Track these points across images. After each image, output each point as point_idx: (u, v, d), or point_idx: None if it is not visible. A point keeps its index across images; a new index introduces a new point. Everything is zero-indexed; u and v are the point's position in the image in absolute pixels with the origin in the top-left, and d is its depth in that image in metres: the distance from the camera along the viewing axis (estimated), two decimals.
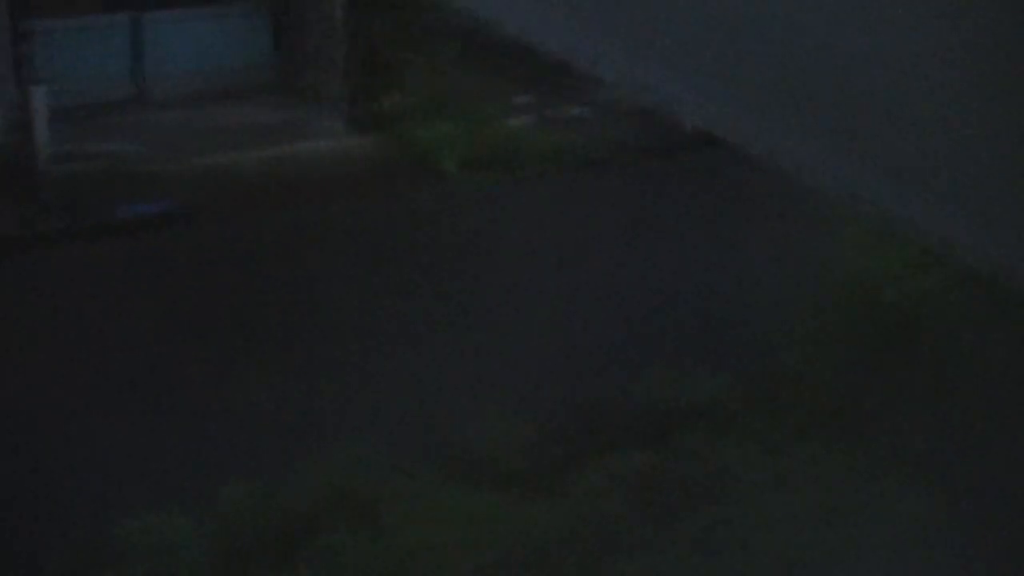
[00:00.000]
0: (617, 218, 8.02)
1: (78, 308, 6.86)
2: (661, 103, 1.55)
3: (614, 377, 6.20)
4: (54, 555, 5.04)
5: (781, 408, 5.83)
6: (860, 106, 1.42)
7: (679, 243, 7.61)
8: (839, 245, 6.05)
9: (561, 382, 6.21)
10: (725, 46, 1.40)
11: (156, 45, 9.95)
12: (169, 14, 10.02)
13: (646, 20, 1.43)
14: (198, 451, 5.67)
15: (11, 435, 5.75)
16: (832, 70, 1.40)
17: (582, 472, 5.48)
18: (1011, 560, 4.80)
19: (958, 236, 1.44)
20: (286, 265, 7.46)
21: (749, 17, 1.41)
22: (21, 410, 5.97)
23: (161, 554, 5.04)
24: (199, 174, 8.58)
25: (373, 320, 6.82)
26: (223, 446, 5.70)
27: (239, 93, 9.90)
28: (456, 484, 5.37)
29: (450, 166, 9.07)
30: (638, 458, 5.57)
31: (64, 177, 8.38)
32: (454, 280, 7.28)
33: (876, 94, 1.41)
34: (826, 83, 1.40)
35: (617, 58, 1.44)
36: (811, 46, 1.41)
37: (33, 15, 9.54)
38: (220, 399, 6.08)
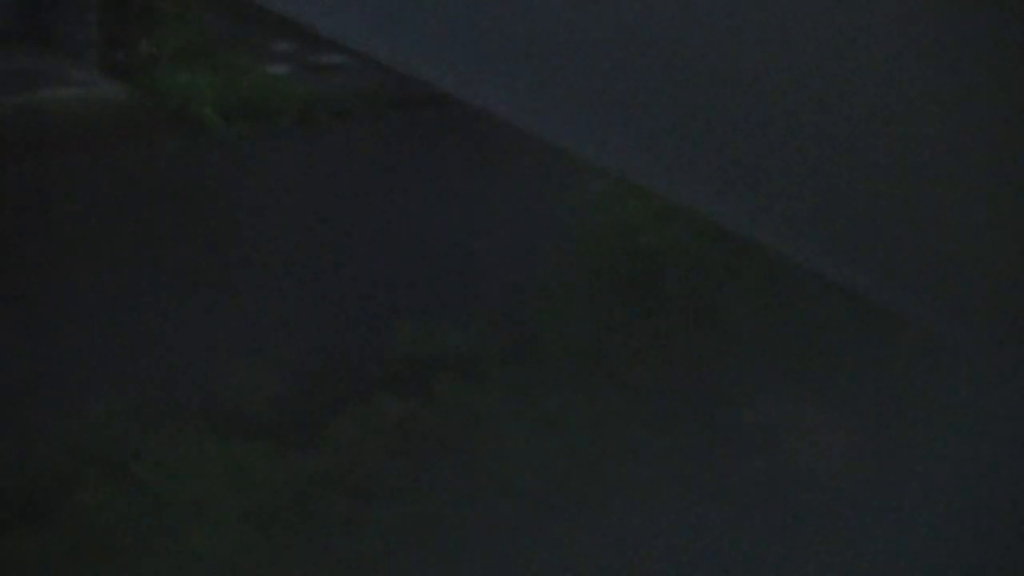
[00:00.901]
0: (368, 171, 8.07)
1: None
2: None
3: (368, 331, 6.28)
4: None
5: (533, 357, 5.99)
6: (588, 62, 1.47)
7: (429, 196, 7.70)
8: (586, 198, 6.21)
9: (314, 336, 6.27)
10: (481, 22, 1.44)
11: None
12: None
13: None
14: None
15: None
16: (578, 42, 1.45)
17: (337, 422, 5.55)
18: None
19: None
20: (32, 220, 7.30)
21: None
22: None
23: None
24: None
25: (120, 276, 6.74)
26: None
27: None
28: (210, 437, 5.39)
29: (208, 115, 8.97)
30: (393, 408, 5.67)
31: None
32: (206, 233, 7.25)
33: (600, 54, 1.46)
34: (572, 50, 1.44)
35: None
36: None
37: None
38: None
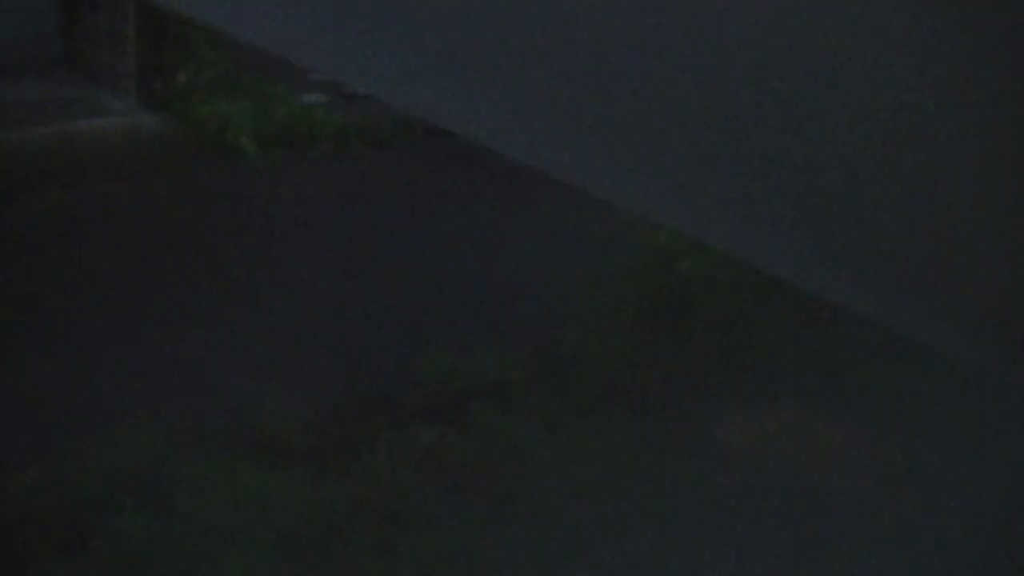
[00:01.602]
0: (402, 199, 8.08)
1: None
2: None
3: (402, 358, 6.28)
4: None
5: (566, 384, 5.98)
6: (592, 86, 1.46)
7: (463, 224, 7.71)
8: (621, 225, 6.21)
9: (348, 364, 6.27)
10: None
11: None
12: None
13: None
14: None
15: None
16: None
17: (372, 449, 5.55)
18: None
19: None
20: (68, 248, 7.35)
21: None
22: None
23: None
24: None
25: (155, 303, 6.77)
26: (5, 438, 5.62)
27: (25, 69, 9.68)
28: (245, 465, 5.39)
29: (244, 144, 9.02)
30: (427, 435, 5.67)
31: None
32: (241, 261, 7.27)
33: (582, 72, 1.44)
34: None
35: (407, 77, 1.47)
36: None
37: None
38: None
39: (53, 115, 9.02)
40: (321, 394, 5.94)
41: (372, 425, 5.74)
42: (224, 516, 5.11)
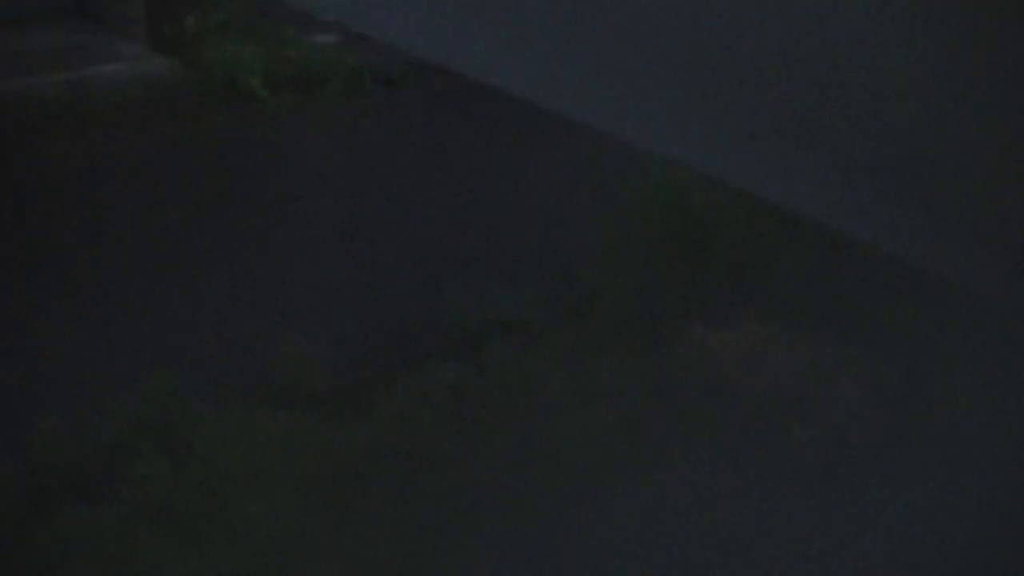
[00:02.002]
0: (417, 138, 8.05)
1: None
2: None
3: (420, 299, 6.28)
4: None
5: (583, 321, 5.97)
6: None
7: (478, 162, 7.68)
8: (635, 160, 6.17)
9: (366, 305, 6.27)
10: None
11: None
12: None
13: None
14: (5, 395, 5.61)
15: None
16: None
17: (390, 390, 5.55)
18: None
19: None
20: (82, 196, 7.34)
21: None
22: None
23: None
24: None
25: (170, 249, 6.77)
26: (28, 387, 5.64)
27: (34, 17, 9.64)
28: (264, 409, 5.41)
29: (256, 87, 8.98)
30: (445, 375, 5.66)
31: None
32: (256, 205, 7.26)
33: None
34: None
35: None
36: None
37: None
38: (16, 342, 6.00)
39: (63, 62, 9.00)
40: (339, 337, 5.95)
41: (390, 366, 5.75)
42: (244, 461, 5.12)
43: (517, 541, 4.85)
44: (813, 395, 5.47)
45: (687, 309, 5.86)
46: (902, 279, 5.45)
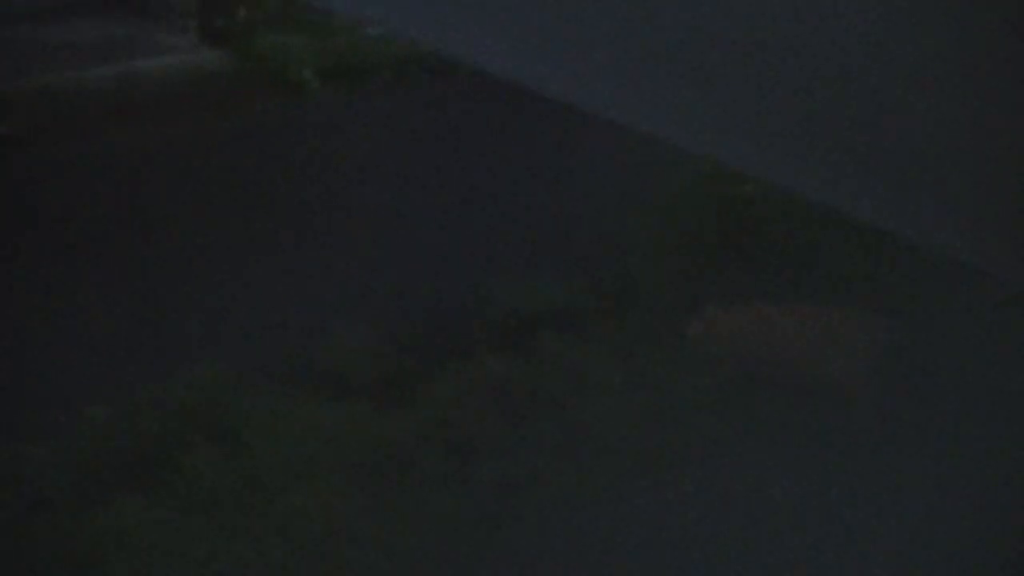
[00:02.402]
0: (465, 128, 8.04)
1: None
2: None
3: (467, 288, 6.27)
4: None
5: (633, 310, 5.95)
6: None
7: (526, 152, 7.67)
8: (669, 154, 6.14)
9: (414, 295, 6.27)
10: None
11: None
12: None
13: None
14: (55, 383, 5.65)
15: None
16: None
17: (438, 380, 5.55)
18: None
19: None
20: (133, 188, 7.38)
21: None
22: None
23: (20, 484, 5.05)
24: (38, 94, 8.42)
25: (220, 240, 6.79)
26: (78, 376, 5.68)
27: (83, 9, 9.69)
28: (313, 398, 5.42)
29: (307, 77, 9.00)
30: (492, 365, 5.66)
31: None
32: (306, 195, 7.28)
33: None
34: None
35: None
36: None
37: None
38: (67, 332, 6.03)
39: (114, 54, 9.04)
40: (387, 326, 5.95)
41: (438, 356, 5.74)
42: (292, 450, 5.14)
43: (565, 530, 4.84)
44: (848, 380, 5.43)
45: (730, 296, 5.83)
46: (949, 265, 5.38)
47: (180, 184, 7.39)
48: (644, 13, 1.37)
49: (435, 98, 8.56)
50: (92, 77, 8.73)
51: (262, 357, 5.72)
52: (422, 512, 4.90)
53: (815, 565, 4.65)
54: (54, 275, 6.45)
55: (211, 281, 6.41)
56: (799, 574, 4.63)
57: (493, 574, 4.75)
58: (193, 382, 5.50)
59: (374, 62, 9.04)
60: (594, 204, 6.85)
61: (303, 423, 5.28)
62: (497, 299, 6.11)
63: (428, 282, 6.38)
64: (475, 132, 7.99)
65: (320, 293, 6.31)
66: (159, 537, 4.82)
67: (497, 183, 7.36)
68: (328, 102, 8.64)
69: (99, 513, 4.92)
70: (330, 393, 5.48)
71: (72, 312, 6.12)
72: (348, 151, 7.88)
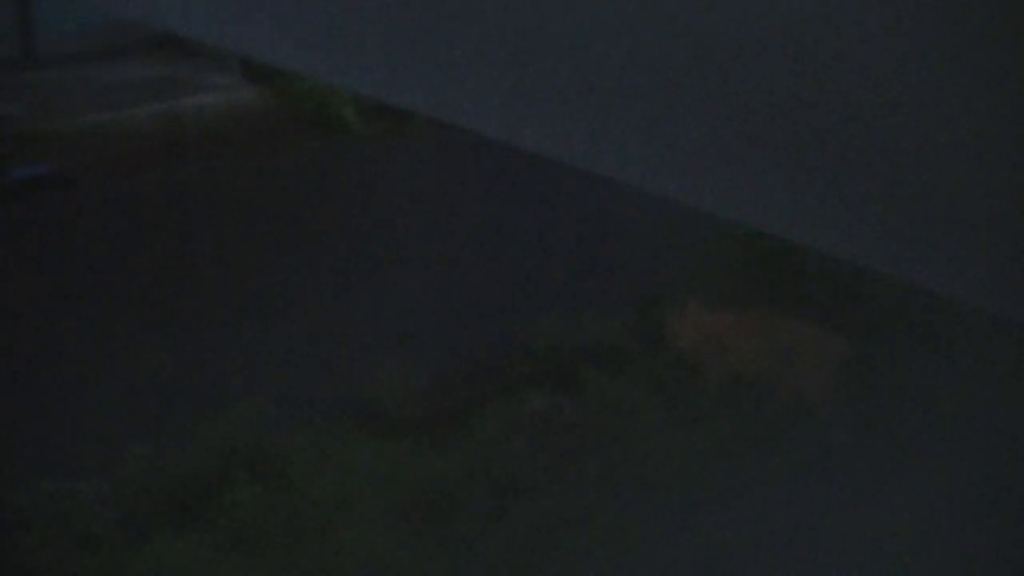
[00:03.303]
0: (505, 165, 8.06)
1: None
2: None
3: (511, 325, 6.27)
4: None
5: (674, 347, 5.94)
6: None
7: (566, 191, 7.66)
8: None
9: (458, 332, 6.27)
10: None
11: (43, 1, 9.79)
12: None
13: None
14: (101, 422, 5.67)
15: None
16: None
17: (482, 417, 5.55)
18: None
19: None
20: (177, 226, 7.42)
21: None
22: None
23: (68, 520, 5.07)
24: (85, 134, 8.49)
25: (264, 278, 6.82)
26: (124, 415, 5.70)
27: (129, 49, 9.78)
28: (357, 436, 5.42)
29: (347, 116, 9.04)
30: (536, 401, 5.66)
31: None
32: (348, 234, 7.30)
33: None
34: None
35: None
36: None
37: None
38: (112, 370, 6.06)
39: (157, 94, 9.11)
40: (431, 364, 5.95)
41: (482, 393, 5.75)
42: (337, 487, 5.14)
43: (608, 565, 4.82)
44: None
45: (776, 337, 5.81)
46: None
47: (223, 222, 7.42)
48: (653, 78, 1.38)
49: (476, 137, 8.59)
50: (137, 116, 8.80)
51: (307, 395, 5.73)
52: (466, 549, 4.89)
53: None
54: (99, 313, 6.48)
55: (256, 319, 6.43)
56: None
57: None
58: (238, 419, 5.51)
59: None
60: (635, 242, 6.84)
61: (347, 460, 5.29)
62: (541, 336, 6.10)
63: (474, 319, 6.38)
64: (516, 171, 8.00)
65: (364, 331, 6.32)
66: (200, 574, 4.82)
67: (539, 221, 7.37)
68: (369, 140, 8.68)
69: (143, 549, 4.92)
70: (375, 431, 5.49)
71: (118, 350, 6.15)
72: (389, 189, 7.90)
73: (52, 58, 9.58)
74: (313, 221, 7.47)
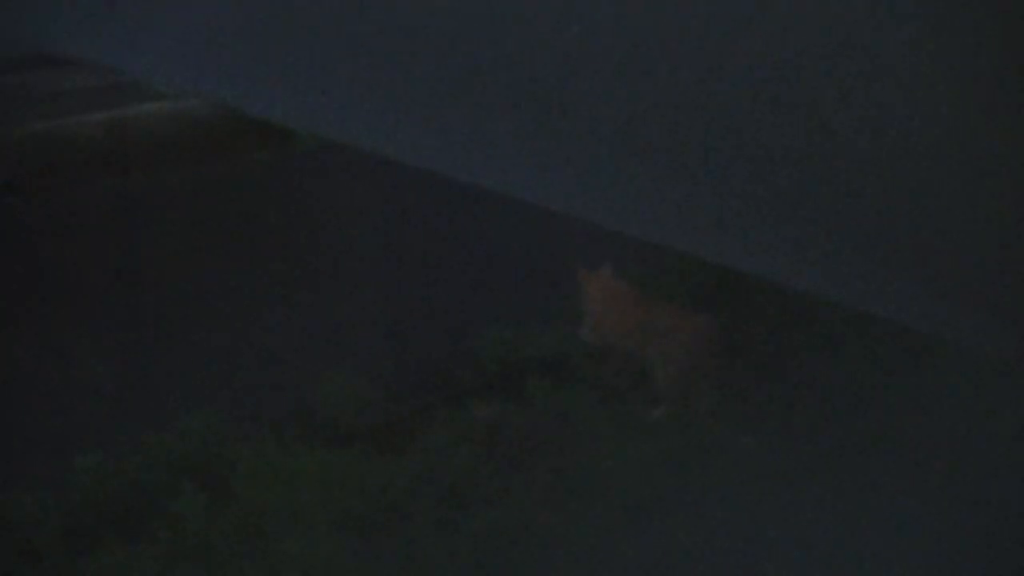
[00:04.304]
0: (444, 182, 8.06)
1: None
2: None
3: (457, 336, 6.28)
4: None
5: (616, 355, 5.96)
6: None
7: (515, 199, 7.68)
8: None
9: (403, 343, 6.28)
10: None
11: None
12: None
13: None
14: (41, 433, 5.65)
15: None
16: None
17: (428, 427, 5.55)
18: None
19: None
20: (124, 236, 7.39)
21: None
22: None
23: (11, 532, 5.03)
24: (29, 141, 8.44)
25: (209, 288, 6.80)
26: (65, 427, 5.67)
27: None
28: (302, 446, 5.41)
29: None
30: (483, 412, 5.66)
31: None
32: (293, 243, 7.29)
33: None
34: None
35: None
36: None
37: None
38: (58, 380, 6.03)
39: (102, 101, 9.06)
40: (377, 374, 5.95)
41: (428, 403, 5.75)
42: (282, 498, 5.12)
43: (558, 574, 4.83)
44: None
45: (729, 347, 5.84)
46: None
47: (168, 232, 7.39)
48: (627, 108, 1.39)
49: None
50: (81, 123, 8.74)
51: (253, 405, 5.71)
52: (413, 560, 4.89)
53: None
54: (44, 323, 6.44)
55: (202, 330, 6.40)
56: None
57: None
58: (184, 430, 5.48)
59: None
60: (584, 250, 6.86)
61: (293, 471, 5.27)
62: (487, 346, 6.12)
63: (419, 330, 6.39)
64: (464, 182, 8.00)
65: (309, 342, 6.31)
66: None
67: (485, 228, 7.38)
68: (315, 148, 8.67)
69: (86, 561, 4.89)
70: (321, 441, 5.48)
71: (62, 360, 6.12)
72: (335, 199, 7.89)
73: None
74: (260, 231, 7.45)
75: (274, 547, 4.92)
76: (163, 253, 7.15)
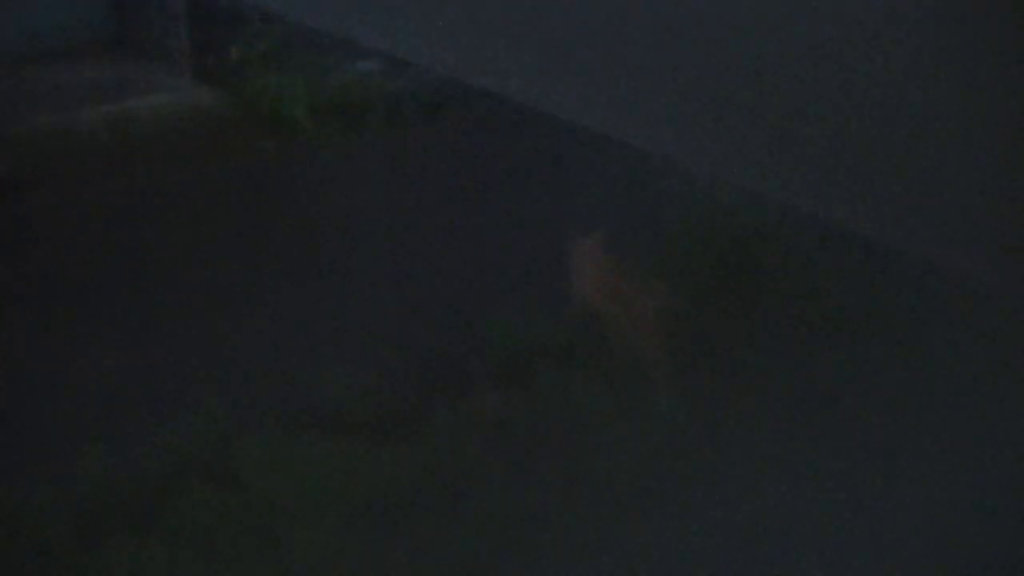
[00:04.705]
0: (459, 167, 8.06)
1: None
2: None
3: (466, 325, 6.27)
4: None
5: (628, 345, 5.95)
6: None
7: (517, 189, 7.67)
8: (677, 184, 6.17)
9: (413, 333, 6.27)
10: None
11: None
12: None
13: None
14: (51, 429, 5.65)
15: None
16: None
17: (436, 416, 5.55)
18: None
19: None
20: (120, 227, 7.38)
21: None
22: None
23: (21, 526, 5.05)
24: (31, 137, 8.44)
25: (216, 281, 6.79)
26: (74, 422, 5.67)
27: (77, 50, 9.73)
28: (311, 436, 5.41)
29: (299, 117, 9.02)
30: (491, 400, 5.66)
31: None
32: (301, 235, 7.29)
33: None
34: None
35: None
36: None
37: None
38: (68, 374, 6.03)
39: (106, 95, 9.06)
40: (387, 364, 5.95)
41: (437, 392, 5.74)
42: (291, 489, 5.13)
43: (563, 562, 4.83)
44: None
45: (732, 331, 5.83)
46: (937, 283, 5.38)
47: (172, 225, 7.39)
48: (654, 47, 1.39)
49: (427, 135, 8.59)
50: (85, 117, 8.74)
51: (262, 398, 5.71)
52: (422, 548, 4.89)
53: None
54: (51, 319, 6.45)
55: (209, 323, 6.40)
56: None
57: None
58: (192, 424, 5.49)
59: (367, 100, 9.06)
60: (592, 239, 6.85)
61: (302, 462, 5.27)
62: (495, 336, 6.11)
63: (427, 320, 6.38)
64: (467, 169, 8.00)
65: (318, 333, 6.30)
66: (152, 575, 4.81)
67: (491, 220, 7.37)
68: (320, 140, 8.66)
69: (96, 554, 4.90)
70: (330, 431, 5.48)
71: (67, 356, 6.12)
72: (340, 191, 7.89)
73: (1, 60, 9.52)
74: (265, 223, 7.44)
75: (283, 536, 4.92)
76: (168, 245, 7.15)
